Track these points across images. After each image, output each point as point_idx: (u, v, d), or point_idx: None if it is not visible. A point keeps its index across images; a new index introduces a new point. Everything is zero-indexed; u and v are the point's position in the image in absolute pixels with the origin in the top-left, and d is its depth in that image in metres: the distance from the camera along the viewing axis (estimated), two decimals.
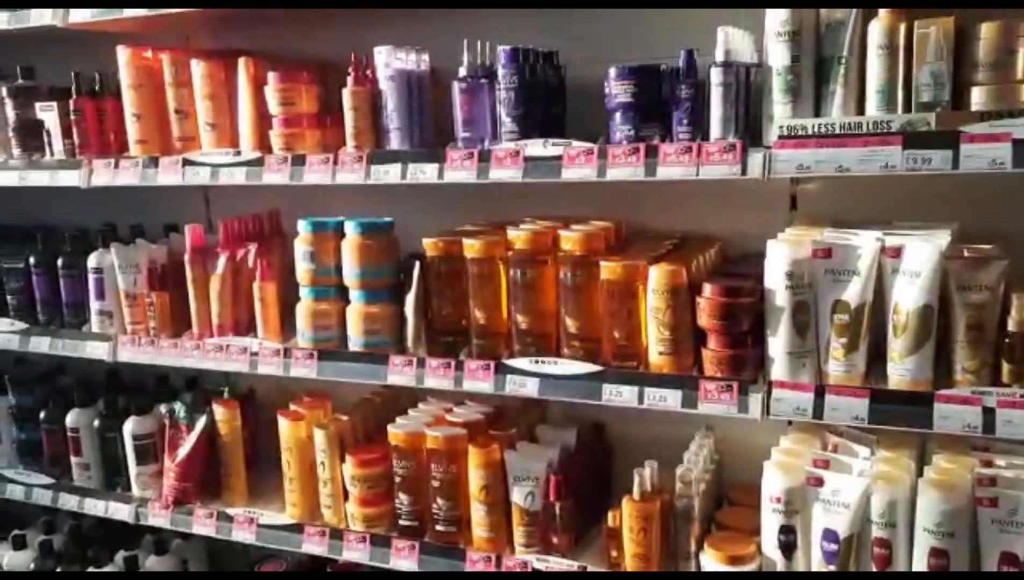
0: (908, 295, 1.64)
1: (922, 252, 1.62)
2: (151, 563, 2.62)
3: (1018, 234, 1.76)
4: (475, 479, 2.07)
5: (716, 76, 1.70)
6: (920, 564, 1.69)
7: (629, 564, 1.94)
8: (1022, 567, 1.63)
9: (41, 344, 2.48)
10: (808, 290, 1.72)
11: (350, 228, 2.11)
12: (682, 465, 1.95)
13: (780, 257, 1.72)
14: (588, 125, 1.91)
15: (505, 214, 2.18)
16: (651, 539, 1.92)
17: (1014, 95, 1.52)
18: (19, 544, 2.69)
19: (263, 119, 2.15)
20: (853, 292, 1.68)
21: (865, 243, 1.69)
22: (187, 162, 2.18)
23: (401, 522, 2.18)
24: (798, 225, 1.91)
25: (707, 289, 1.79)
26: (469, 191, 2.03)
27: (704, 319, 1.79)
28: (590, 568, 1.98)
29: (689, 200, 2.11)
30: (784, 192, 2.04)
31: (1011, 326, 1.58)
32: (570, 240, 1.91)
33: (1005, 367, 1.59)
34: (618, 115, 1.81)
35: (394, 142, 2.02)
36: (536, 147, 1.85)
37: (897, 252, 1.66)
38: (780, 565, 1.82)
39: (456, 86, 1.95)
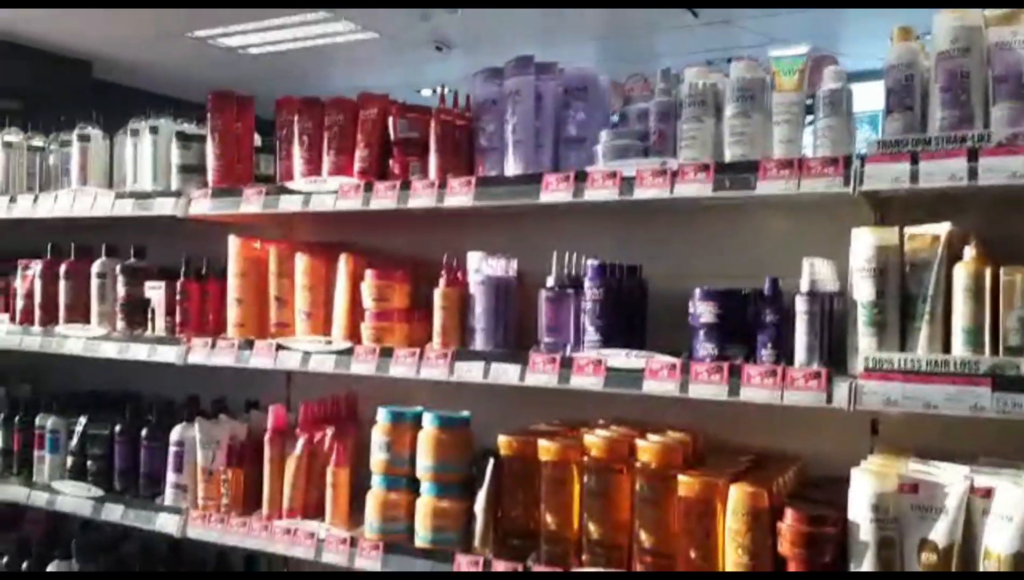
0: (1000, 540, 1.58)
1: (1014, 495, 1.58)
2: None
3: None
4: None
5: (801, 304, 1.76)
6: None
7: None
8: None
9: (114, 512, 2.51)
10: (894, 526, 1.68)
11: (427, 420, 2.16)
12: None
13: (865, 489, 1.69)
14: (668, 336, 1.97)
15: (582, 414, 2.19)
16: None
17: None
18: None
19: (356, 310, 2.26)
20: (941, 531, 1.63)
21: (953, 481, 1.65)
22: (280, 347, 2.28)
23: None
24: (879, 453, 1.89)
25: (789, 515, 1.75)
26: (548, 390, 2.06)
27: (785, 546, 1.75)
28: None
29: (769, 417, 2.10)
30: (866, 417, 2.02)
31: None
32: (647, 451, 1.91)
33: None
34: (702, 333, 1.86)
35: (479, 342, 2.10)
36: (619, 358, 1.90)
37: (988, 493, 1.62)
38: None
39: (543, 294, 2.04)
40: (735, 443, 2.14)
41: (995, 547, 1.60)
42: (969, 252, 1.66)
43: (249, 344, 2.33)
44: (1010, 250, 1.67)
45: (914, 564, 1.66)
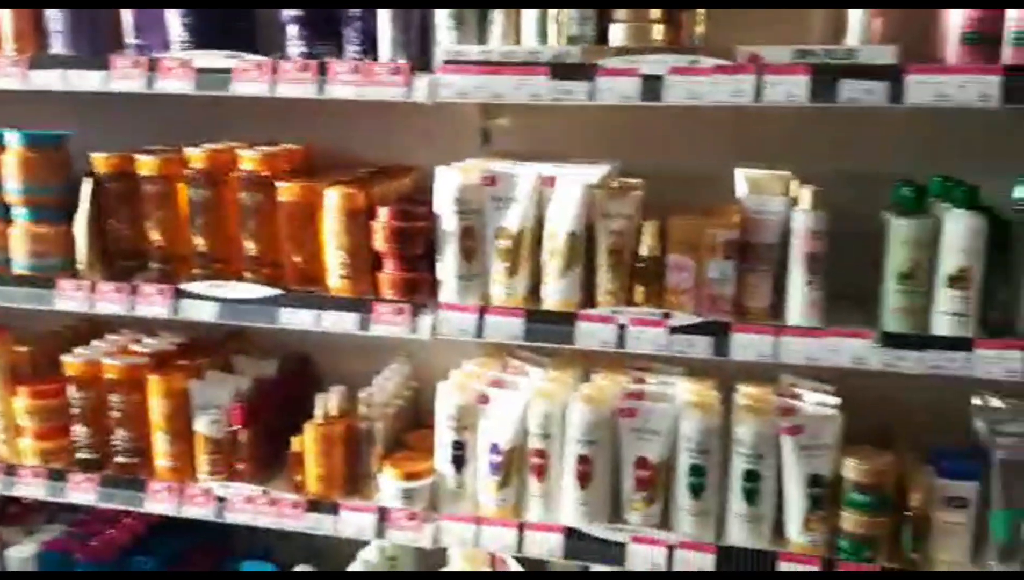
0: (559, 222, 1.74)
1: (571, 183, 1.73)
2: None
3: (664, 168, 1.91)
4: (157, 409, 2.00)
5: None
6: (569, 470, 1.82)
7: (312, 486, 1.96)
8: (652, 470, 1.80)
9: None
10: (475, 216, 1.78)
11: (13, 140, 1.94)
12: (365, 389, 1.98)
13: (449, 184, 1.77)
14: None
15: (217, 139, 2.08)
16: (333, 461, 1.95)
17: (647, 34, 1.63)
18: None
19: None
20: (513, 218, 1.76)
21: (526, 173, 1.77)
22: None
23: (79, 455, 2.07)
24: (488, 159, 1.97)
25: (381, 213, 1.81)
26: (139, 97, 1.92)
27: (379, 243, 1.82)
28: (273, 492, 1.97)
29: (391, 132, 2.12)
30: (476, 127, 2.09)
31: (643, 251, 1.72)
32: (250, 160, 1.86)
33: (637, 289, 1.73)
34: (292, 32, 1.77)
35: (56, 46, 1.87)
36: (207, 58, 1.77)
37: (552, 182, 1.76)
38: (451, 478, 1.91)
39: None
40: (362, 159, 2.15)
41: (556, 230, 1.75)
42: None
43: None
44: None
45: (490, 248, 1.79)
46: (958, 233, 1.58)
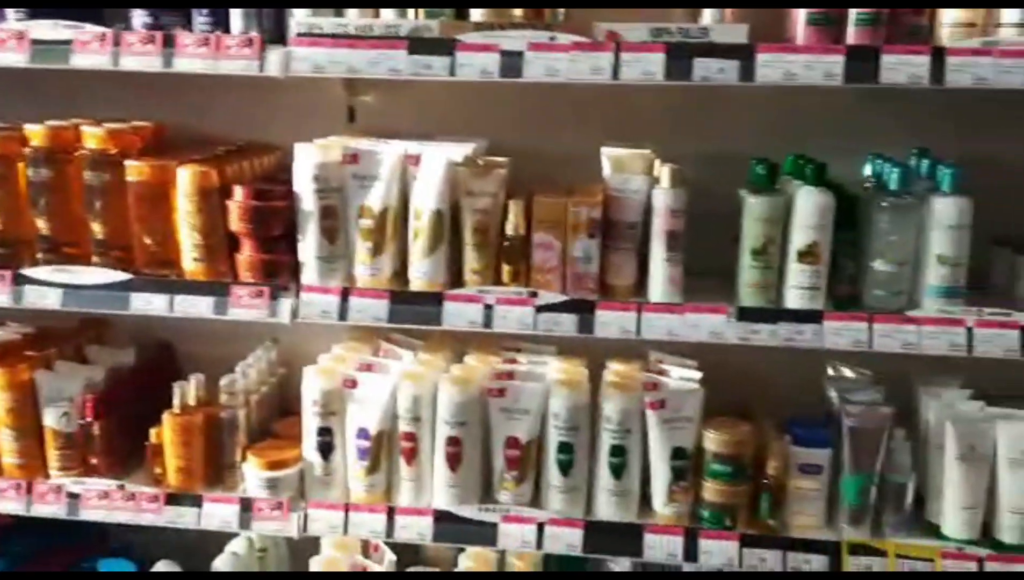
0: (424, 201, 1.71)
1: (435, 160, 1.70)
2: None
3: (533, 147, 1.91)
4: (0, 403, 1.87)
5: None
6: (440, 452, 1.80)
7: (172, 479, 1.88)
8: (522, 449, 1.80)
9: None
10: (336, 195, 1.73)
11: None
12: (226, 376, 1.91)
13: (308, 162, 1.71)
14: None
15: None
16: (194, 452, 1.87)
17: (508, 10, 1.61)
18: None
19: None
20: (376, 197, 1.72)
21: (389, 151, 1.73)
22: None
23: None
24: (352, 137, 1.92)
25: (237, 192, 1.74)
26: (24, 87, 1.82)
27: (235, 223, 1.74)
28: (129, 486, 1.88)
29: (253, 108, 2.04)
30: (342, 104, 2.04)
31: (509, 230, 1.71)
32: (94, 138, 1.75)
33: (504, 268, 1.72)
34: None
35: None
36: (44, 29, 1.66)
37: (416, 160, 1.72)
38: (319, 465, 1.86)
39: None
40: (223, 137, 2.05)
41: (421, 208, 1.72)
42: None
43: None
44: None
45: (353, 228, 1.75)
46: (807, 210, 1.64)
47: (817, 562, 1.75)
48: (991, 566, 1.71)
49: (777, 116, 1.89)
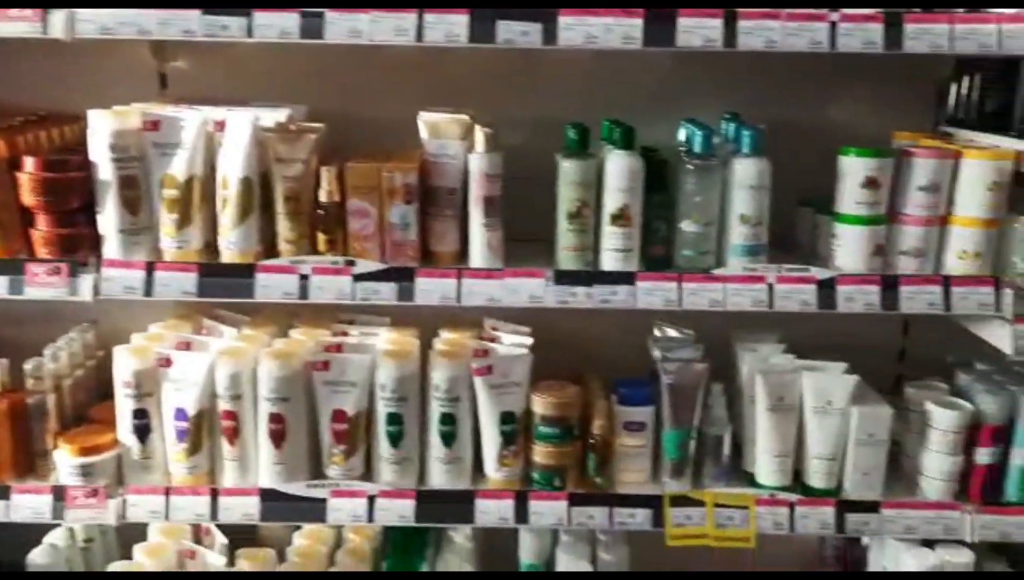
0: (231, 168, 1.64)
1: (240, 126, 1.63)
2: None
3: (355, 113, 1.87)
4: None
5: None
6: (263, 430, 1.75)
7: None
8: (350, 422, 1.77)
9: None
10: (136, 164, 1.65)
11: None
12: (31, 360, 1.80)
13: (104, 130, 1.62)
14: None
15: None
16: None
17: None
18: None
19: None
20: (180, 166, 1.64)
21: (192, 117, 1.65)
22: None
23: None
24: (163, 104, 1.82)
25: (28, 164, 1.63)
26: None
27: (28, 197, 1.63)
28: None
29: (58, 78, 1.92)
30: (153, 71, 1.94)
31: (322, 198, 1.66)
32: None
33: (320, 237, 1.68)
34: None
35: None
36: None
37: (223, 126, 1.65)
38: (136, 450, 1.78)
39: None
40: (23, 107, 1.92)
41: (229, 176, 1.66)
42: None
43: None
44: None
45: (157, 199, 1.67)
46: (616, 173, 1.66)
47: (641, 515, 1.81)
48: (801, 510, 1.80)
49: (600, 81, 1.92)
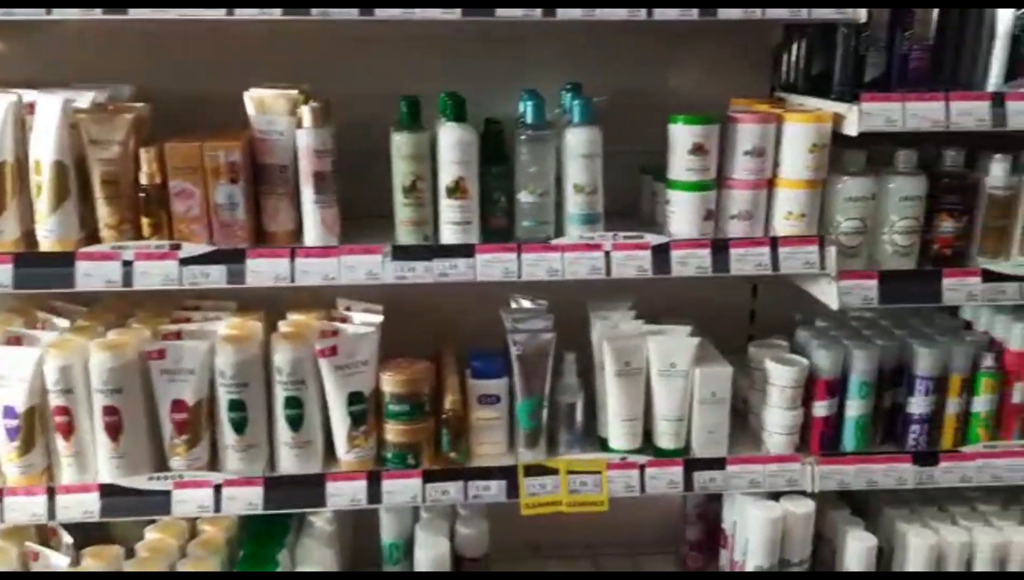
0: (43, 152, 1.57)
1: (49, 108, 1.56)
2: None
3: (188, 92, 1.81)
4: None
5: None
6: (98, 423, 1.69)
7: None
8: (190, 411, 1.72)
9: None
10: None
11: None
12: None
13: None
14: None
15: None
16: None
17: None
18: None
19: None
20: None
21: (2, 97, 1.56)
22: None
23: None
24: None
25: None
26: None
27: None
28: None
29: None
30: None
31: (143, 180, 1.60)
32: None
33: (144, 221, 1.62)
34: None
35: None
36: None
37: (32, 108, 1.57)
38: None
39: None
40: None
41: (42, 161, 1.58)
42: None
43: None
44: None
45: None
46: (449, 145, 1.65)
47: (496, 487, 1.81)
48: (651, 471, 1.84)
49: (447, 56, 1.90)
